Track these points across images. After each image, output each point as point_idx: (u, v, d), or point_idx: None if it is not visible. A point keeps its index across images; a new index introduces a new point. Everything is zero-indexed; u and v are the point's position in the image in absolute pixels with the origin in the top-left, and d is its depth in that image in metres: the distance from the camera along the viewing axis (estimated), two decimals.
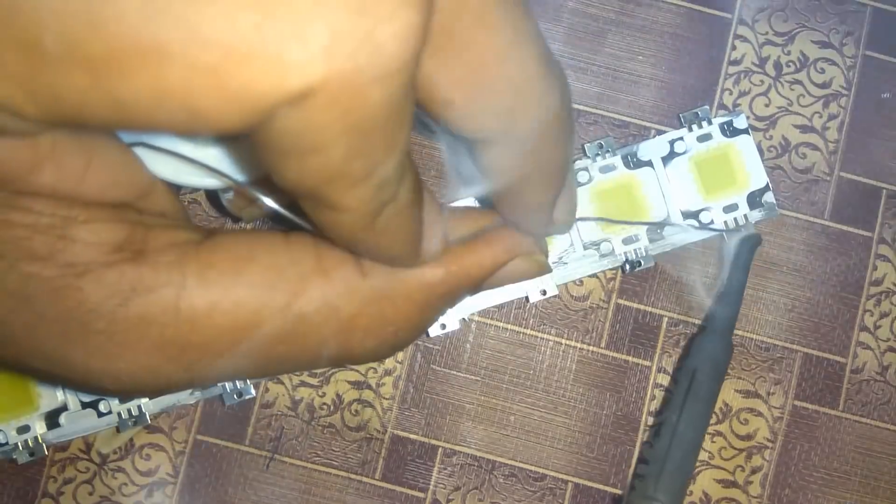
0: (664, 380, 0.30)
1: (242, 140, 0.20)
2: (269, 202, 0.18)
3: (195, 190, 0.29)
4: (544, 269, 0.21)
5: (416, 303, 0.19)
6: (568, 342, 0.30)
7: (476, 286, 0.20)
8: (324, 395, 0.29)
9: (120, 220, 0.17)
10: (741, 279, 0.28)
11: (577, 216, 0.22)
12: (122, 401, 0.27)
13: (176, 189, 0.20)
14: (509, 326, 0.30)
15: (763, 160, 0.29)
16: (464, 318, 0.29)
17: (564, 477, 0.29)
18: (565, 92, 0.18)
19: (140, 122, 0.13)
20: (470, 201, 0.27)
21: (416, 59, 0.13)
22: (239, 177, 0.20)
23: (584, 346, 0.30)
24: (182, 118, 0.13)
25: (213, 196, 0.29)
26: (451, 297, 0.19)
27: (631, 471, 0.29)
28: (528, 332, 0.30)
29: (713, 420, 0.29)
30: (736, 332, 0.30)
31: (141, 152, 0.19)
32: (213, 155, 0.20)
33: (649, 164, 0.28)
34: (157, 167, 0.19)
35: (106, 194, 0.17)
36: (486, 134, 0.17)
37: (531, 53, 0.16)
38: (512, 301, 0.29)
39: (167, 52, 0.12)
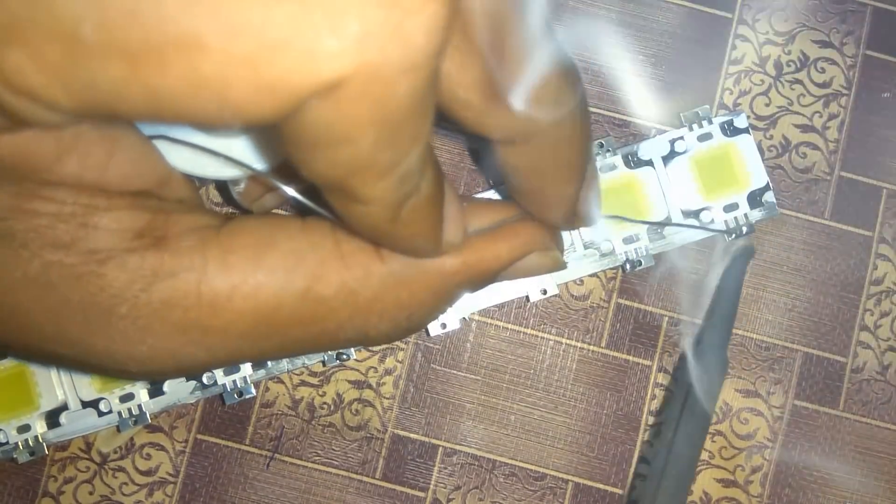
0: (665, 379, 0.30)
1: (259, 131, 0.20)
2: (289, 190, 0.18)
3: (205, 182, 0.29)
4: (560, 265, 0.22)
5: (432, 290, 0.19)
6: (568, 342, 0.30)
7: (492, 277, 0.20)
8: (324, 394, 0.29)
9: (141, 207, 0.17)
10: (735, 292, 0.27)
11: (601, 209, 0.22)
12: (123, 400, 0.27)
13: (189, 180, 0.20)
14: (510, 326, 0.30)
15: (763, 159, 0.29)
16: (464, 318, 0.29)
17: (565, 476, 0.29)
18: (580, 86, 0.18)
19: (173, 112, 0.13)
20: (490, 194, 0.28)
21: (441, 52, 0.13)
22: (256, 167, 0.20)
23: (585, 346, 0.30)
24: (215, 109, 0.13)
25: (223, 188, 0.29)
26: (466, 286, 0.20)
27: (631, 470, 0.29)
28: (529, 331, 0.30)
29: (713, 419, 0.29)
30: (736, 331, 0.30)
31: (157, 144, 0.19)
32: (229, 146, 0.20)
33: (650, 163, 0.28)
34: (172, 159, 0.19)
35: (128, 183, 0.17)
36: (505, 134, 0.18)
37: (547, 53, 0.17)
38: (512, 300, 0.29)
39: (204, 43, 0.12)
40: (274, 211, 0.29)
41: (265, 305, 0.17)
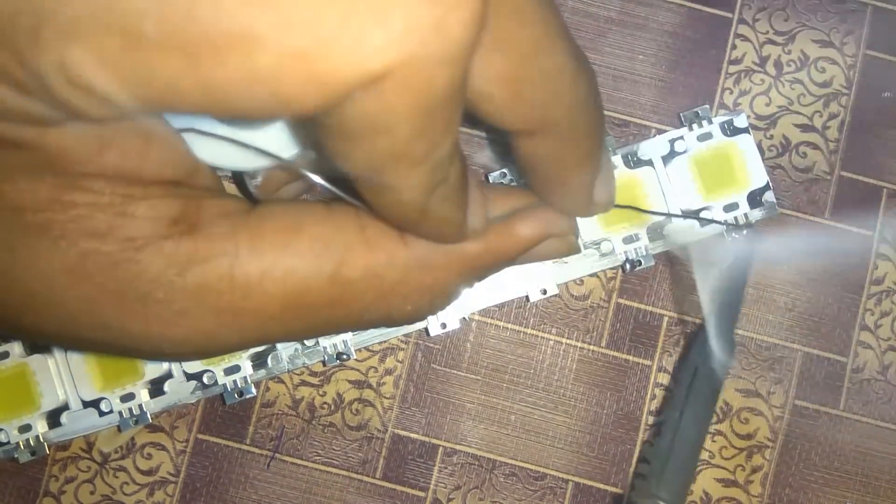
0: (665, 379, 0.30)
1: (290, 123, 0.21)
2: (316, 178, 0.19)
3: (223, 174, 0.30)
4: (575, 249, 0.23)
5: (453, 274, 0.20)
6: (568, 341, 0.30)
7: (510, 261, 0.21)
8: (324, 394, 0.29)
9: (174, 196, 0.18)
10: (743, 276, 0.28)
11: (618, 205, 0.23)
12: (124, 400, 0.27)
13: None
14: (510, 326, 0.30)
15: (763, 159, 0.29)
16: (464, 318, 0.29)
17: (565, 476, 0.29)
18: (593, 78, 0.19)
19: (227, 105, 0.14)
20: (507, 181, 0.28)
21: (476, 45, 0.14)
22: (283, 157, 0.21)
23: (585, 346, 0.30)
24: (267, 101, 0.14)
25: (240, 180, 0.29)
26: (486, 269, 0.21)
27: (632, 470, 0.29)
28: (529, 331, 0.30)
29: (714, 418, 0.29)
30: (736, 331, 0.30)
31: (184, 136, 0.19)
32: (254, 136, 0.21)
33: (650, 163, 0.28)
34: (197, 151, 0.20)
35: (162, 173, 0.18)
36: (523, 125, 0.18)
37: (562, 44, 0.17)
38: (512, 300, 0.29)
39: (259, 38, 0.13)
40: None
41: (294, 288, 0.18)
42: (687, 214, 0.28)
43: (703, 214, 0.28)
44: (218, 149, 0.20)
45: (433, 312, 0.21)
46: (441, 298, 0.20)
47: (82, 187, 0.16)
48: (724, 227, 0.28)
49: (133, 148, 0.17)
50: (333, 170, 0.16)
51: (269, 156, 0.20)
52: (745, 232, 0.28)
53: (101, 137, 0.16)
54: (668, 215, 0.28)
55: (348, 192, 0.18)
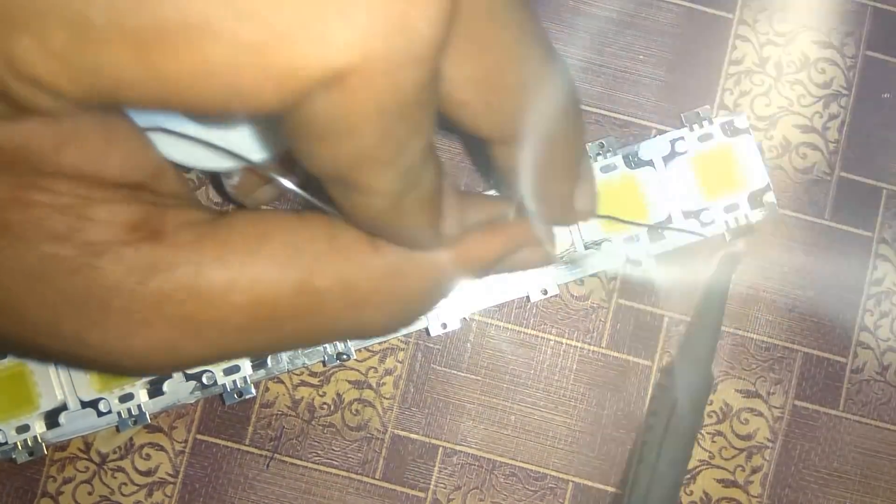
0: (664, 379, 0.30)
1: (259, 123, 0.20)
2: (286, 183, 0.18)
3: (201, 174, 0.29)
4: (552, 260, 0.22)
5: (427, 282, 0.19)
6: (569, 342, 0.30)
7: (485, 270, 0.20)
8: (324, 394, 0.29)
9: (137, 201, 0.17)
10: (720, 303, 0.27)
11: (601, 215, 0.23)
12: (122, 400, 0.27)
13: (185, 171, 0.20)
14: (510, 326, 0.30)
15: (764, 160, 0.29)
16: (464, 318, 0.29)
17: (565, 476, 0.29)
18: (571, 86, 0.18)
19: (181, 100, 0.13)
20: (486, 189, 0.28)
21: (444, 44, 0.14)
22: (252, 158, 0.20)
23: (585, 346, 0.30)
24: (223, 96, 0.13)
25: (217, 181, 0.29)
26: (460, 278, 0.20)
27: (632, 470, 0.29)
28: (529, 331, 0.30)
29: (713, 419, 0.29)
30: (736, 331, 0.30)
31: (152, 136, 0.19)
32: (225, 137, 0.20)
33: (650, 163, 0.28)
34: (167, 150, 0.19)
35: (124, 175, 0.17)
36: (499, 133, 0.18)
37: (538, 51, 0.17)
38: (512, 301, 0.29)
39: (214, 29, 0.12)
40: (268, 206, 0.29)
41: (261, 298, 0.18)
42: (658, 225, 0.28)
43: (702, 215, 0.28)
44: (187, 148, 0.20)
45: (407, 324, 0.21)
46: (415, 308, 0.20)
47: (42, 187, 0.16)
48: (727, 229, 0.28)
49: (93, 147, 0.17)
50: (305, 173, 0.15)
51: (237, 157, 0.20)
52: (721, 254, 0.28)
53: (58, 135, 0.16)
54: (649, 226, 0.28)
55: (320, 196, 0.17)
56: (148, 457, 0.29)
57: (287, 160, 0.20)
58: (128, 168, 0.17)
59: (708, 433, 0.29)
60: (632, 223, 0.27)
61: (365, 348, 0.29)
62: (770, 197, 0.28)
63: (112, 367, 0.19)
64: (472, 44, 0.16)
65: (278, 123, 0.14)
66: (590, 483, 0.29)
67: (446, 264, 0.19)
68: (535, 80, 0.17)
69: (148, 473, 0.29)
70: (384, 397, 0.29)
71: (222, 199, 0.30)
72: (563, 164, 0.20)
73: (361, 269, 0.18)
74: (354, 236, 0.18)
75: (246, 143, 0.20)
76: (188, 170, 0.20)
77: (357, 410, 0.29)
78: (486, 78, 0.16)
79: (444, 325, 0.28)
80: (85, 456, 0.29)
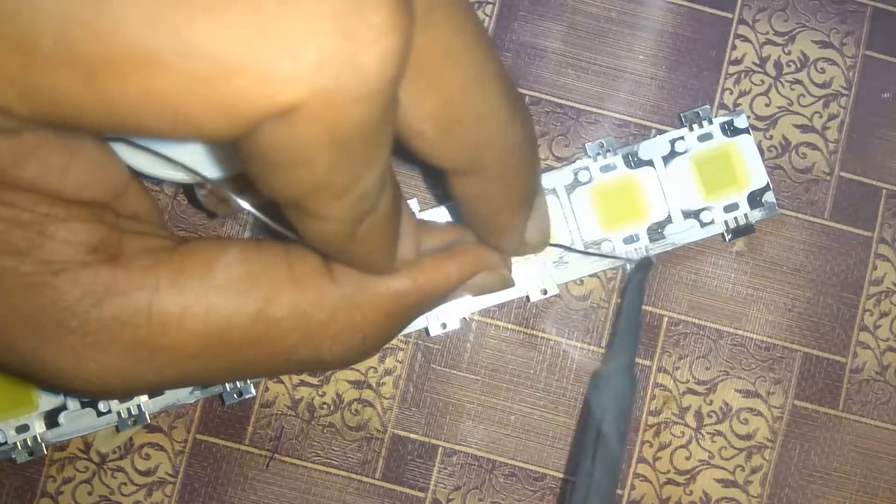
0: (664, 379, 0.30)
1: (217, 143, 0.20)
2: (242, 203, 0.18)
3: (173, 184, 0.29)
4: (507, 284, 0.22)
5: (384, 311, 0.19)
6: (568, 341, 0.30)
7: (443, 297, 0.21)
8: (324, 394, 0.29)
9: (97, 221, 0.17)
10: (636, 309, 0.27)
11: (550, 239, 0.23)
12: (122, 400, 0.27)
13: (154, 183, 0.20)
14: (510, 326, 0.30)
15: (763, 160, 0.29)
16: (464, 318, 0.29)
17: (565, 476, 0.29)
18: (528, 124, 0.19)
19: (129, 125, 0.13)
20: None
21: (396, 81, 0.14)
22: (213, 173, 0.20)
23: (585, 346, 0.30)
24: (171, 124, 0.13)
25: (189, 191, 0.29)
26: (418, 306, 0.20)
27: (631, 471, 0.29)
28: (529, 331, 0.30)
29: (713, 419, 0.29)
30: (736, 331, 0.30)
31: (118, 146, 0.19)
32: (190, 151, 0.20)
33: (650, 163, 0.28)
34: (134, 160, 0.19)
35: (84, 192, 0.17)
36: (454, 164, 0.18)
37: (495, 89, 0.17)
38: (513, 300, 0.29)
39: (162, 60, 0.12)
40: (237, 218, 0.29)
41: (216, 327, 0.18)
42: (596, 251, 0.28)
43: (702, 215, 0.28)
44: (149, 160, 0.20)
45: (367, 354, 0.21)
46: (373, 338, 0.20)
47: (2, 201, 0.16)
48: (726, 229, 0.28)
49: (53, 163, 0.17)
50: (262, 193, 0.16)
51: (193, 172, 0.20)
52: (635, 261, 0.28)
53: (16, 149, 0.16)
54: (588, 253, 0.28)
55: (278, 218, 0.17)
56: (147, 457, 0.29)
57: (245, 178, 0.21)
58: (89, 185, 0.18)
59: (708, 433, 0.29)
60: (574, 251, 0.27)
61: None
62: (770, 196, 0.28)
63: (64, 388, 0.19)
64: (431, 79, 0.16)
65: (234, 146, 0.14)
66: None
67: (404, 293, 0.20)
68: (491, 117, 0.17)
69: (147, 473, 0.29)
70: (384, 397, 0.29)
71: (195, 208, 0.30)
72: (516, 199, 0.20)
73: (318, 300, 0.19)
74: (312, 266, 0.19)
75: (202, 160, 0.20)
76: (159, 181, 0.21)
77: (357, 410, 0.29)
78: (443, 112, 0.17)
79: (444, 325, 0.28)
80: (84, 456, 0.29)
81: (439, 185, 0.29)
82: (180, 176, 0.21)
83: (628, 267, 0.28)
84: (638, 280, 0.27)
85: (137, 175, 0.20)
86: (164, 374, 0.18)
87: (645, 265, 0.28)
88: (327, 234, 0.16)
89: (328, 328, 0.19)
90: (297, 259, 0.19)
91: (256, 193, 0.16)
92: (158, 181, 0.20)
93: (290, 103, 0.13)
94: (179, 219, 0.30)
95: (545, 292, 0.28)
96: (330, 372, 0.29)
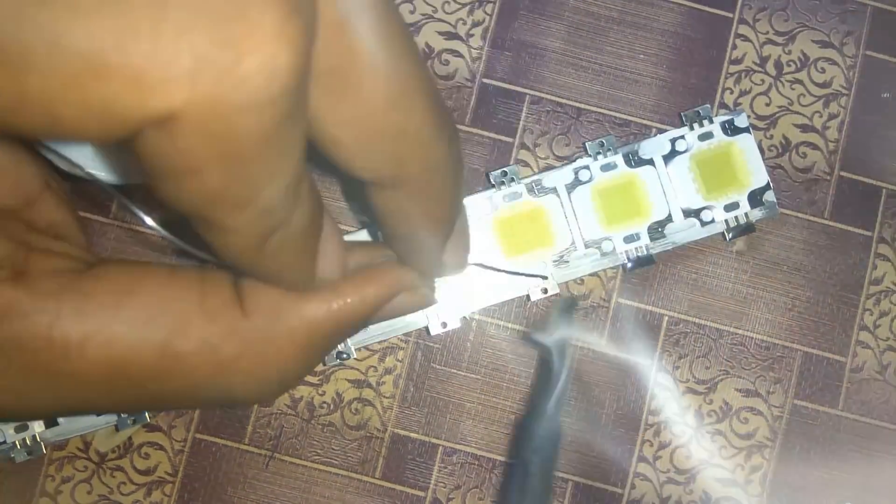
0: (665, 379, 0.30)
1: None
2: (145, 218, 0.18)
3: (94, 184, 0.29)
4: (430, 302, 0.21)
5: (299, 343, 0.19)
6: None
7: (362, 322, 0.20)
8: (323, 393, 0.29)
9: (4, 236, 0.17)
10: (563, 355, 0.27)
11: (469, 261, 0.22)
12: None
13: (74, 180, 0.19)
14: (510, 325, 0.30)
15: (764, 159, 0.29)
16: (464, 317, 0.29)
17: (565, 476, 0.29)
18: (455, 143, 0.18)
19: (5, 124, 0.13)
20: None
21: (293, 92, 0.13)
22: (118, 179, 0.19)
23: (585, 345, 0.30)
24: (43, 124, 0.13)
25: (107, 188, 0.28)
26: (335, 334, 0.19)
27: (632, 470, 0.29)
28: (529, 330, 0.30)
29: (713, 419, 0.29)
30: (736, 331, 0.30)
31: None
32: (92, 154, 0.19)
33: (651, 162, 0.28)
34: (51, 157, 0.18)
35: None
36: (373, 176, 0.17)
37: (420, 104, 0.17)
38: (513, 300, 0.29)
39: (28, 57, 0.12)
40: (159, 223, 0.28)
41: (119, 356, 0.17)
42: (525, 273, 0.28)
43: (703, 214, 0.28)
44: (66, 161, 0.19)
45: (286, 388, 0.20)
46: (289, 372, 0.19)
47: None
48: (727, 228, 0.28)
49: None
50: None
51: (89, 174, 0.19)
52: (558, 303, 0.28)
53: None
54: (515, 273, 0.27)
55: (184, 233, 0.17)
56: (147, 456, 0.29)
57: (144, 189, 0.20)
58: None
59: (707, 433, 0.29)
60: (499, 270, 0.27)
61: (364, 347, 0.29)
62: (770, 196, 0.28)
63: None
64: (351, 87, 0.15)
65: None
66: (590, 482, 0.29)
67: (319, 322, 0.19)
68: (415, 132, 0.17)
69: (147, 472, 0.29)
70: (384, 396, 0.29)
71: (124, 212, 0.29)
72: (436, 218, 0.19)
73: (228, 333, 0.18)
74: (225, 297, 0.18)
75: (96, 161, 0.19)
76: (83, 180, 0.20)
77: (357, 409, 0.29)
78: (363, 121, 0.16)
79: (444, 324, 0.28)
80: (84, 455, 0.29)
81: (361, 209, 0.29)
82: (97, 175, 0.19)
83: (726, 237, 0.28)
84: (564, 323, 0.27)
85: (66, 180, 0.19)
86: (65, 400, 0.17)
87: (569, 306, 0.27)
88: (234, 246, 0.16)
89: (239, 364, 0.18)
90: (210, 290, 0.18)
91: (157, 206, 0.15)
92: (79, 179, 0.19)
93: (164, 110, 0.12)
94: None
95: (545, 291, 0.28)
96: (330, 371, 0.29)
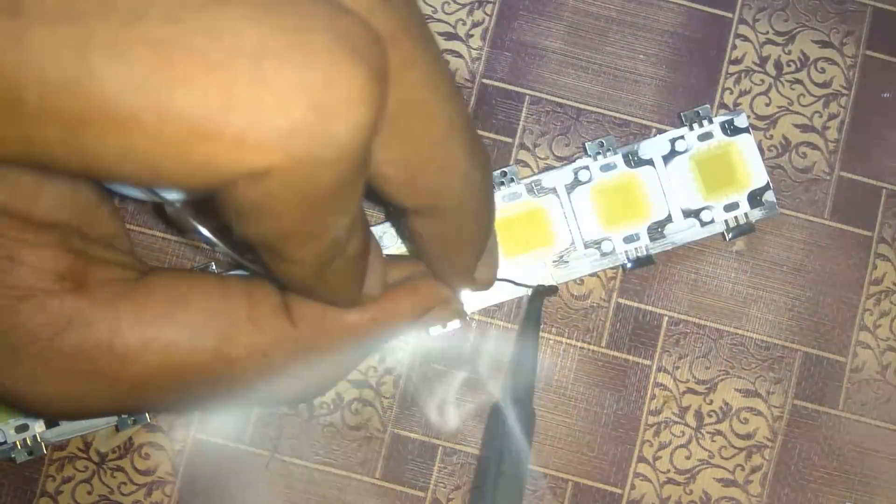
0: (665, 379, 0.30)
1: None
2: (201, 230, 0.19)
3: (137, 201, 0.29)
4: (461, 316, 0.25)
5: (338, 347, 0.20)
6: (568, 341, 0.30)
7: (398, 332, 0.22)
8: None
9: (66, 249, 0.18)
10: (532, 338, 0.27)
11: (497, 278, 0.25)
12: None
13: (121, 200, 0.20)
14: (510, 325, 0.30)
15: (763, 159, 0.29)
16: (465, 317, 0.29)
17: (565, 476, 0.29)
18: (487, 174, 0.20)
19: (105, 174, 0.14)
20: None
21: (367, 146, 0.14)
22: (176, 195, 0.20)
23: (585, 345, 0.30)
24: (146, 177, 0.14)
25: (159, 208, 0.28)
26: (371, 339, 0.21)
27: (631, 470, 0.29)
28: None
29: (713, 419, 0.29)
30: (736, 331, 0.30)
31: None
32: None
33: (650, 162, 0.28)
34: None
35: (54, 215, 0.18)
36: (415, 205, 0.19)
37: (461, 143, 0.18)
38: (513, 300, 0.29)
39: (138, 122, 0.13)
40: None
41: (174, 362, 0.18)
42: (510, 279, 0.28)
43: (702, 214, 0.28)
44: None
45: (323, 391, 0.22)
46: (330, 377, 0.21)
47: None
48: (726, 228, 0.28)
49: (23, 186, 0.17)
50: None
51: (153, 194, 0.20)
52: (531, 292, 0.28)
53: None
54: (522, 285, 0.28)
55: (239, 248, 0.18)
56: (147, 456, 0.29)
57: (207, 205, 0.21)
58: (58, 208, 0.18)
59: (708, 432, 0.29)
60: (523, 285, 0.28)
61: None
62: (770, 196, 0.28)
63: (22, 408, 0.20)
64: (401, 130, 0.17)
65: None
66: (590, 483, 0.29)
67: (360, 331, 0.20)
68: (455, 167, 0.18)
69: (147, 473, 0.29)
70: (384, 396, 0.29)
71: (164, 224, 0.29)
72: (469, 240, 0.21)
73: (276, 341, 0.19)
74: (272, 306, 0.19)
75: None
76: (123, 198, 0.21)
77: (357, 410, 0.29)
78: (410, 160, 0.17)
79: (444, 325, 0.28)
80: (84, 455, 0.29)
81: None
82: (142, 194, 0.21)
83: (726, 237, 0.28)
84: (536, 311, 0.27)
85: (109, 195, 0.20)
86: (122, 402, 0.19)
87: (542, 294, 0.28)
88: (297, 274, 0.17)
89: (284, 369, 0.19)
90: (258, 299, 0.19)
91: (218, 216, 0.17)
92: (122, 197, 0.20)
93: (260, 168, 0.13)
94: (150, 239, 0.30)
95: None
96: None
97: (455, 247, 0.21)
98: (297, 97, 0.13)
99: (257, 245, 0.16)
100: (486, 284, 0.24)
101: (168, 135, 0.13)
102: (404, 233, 0.22)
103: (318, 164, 0.14)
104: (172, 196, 0.19)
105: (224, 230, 0.18)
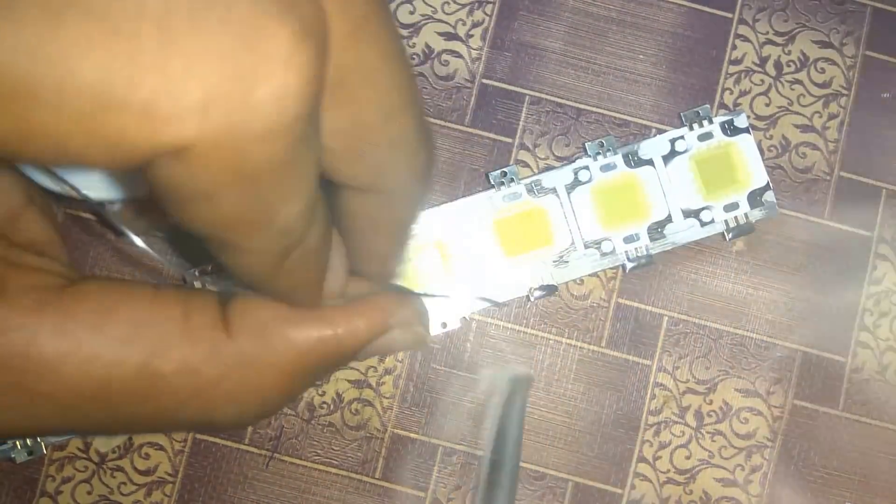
0: (665, 379, 0.30)
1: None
2: (131, 234, 0.17)
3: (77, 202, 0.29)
4: (424, 342, 0.21)
5: (282, 370, 0.18)
6: (568, 341, 0.30)
7: (351, 355, 0.19)
8: (324, 393, 0.29)
9: None
10: (516, 439, 0.26)
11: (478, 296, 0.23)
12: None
13: (56, 201, 0.19)
14: (510, 325, 0.30)
15: (763, 159, 0.29)
16: (464, 317, 0.29)
17: (565, 476, 0.29)
18: (432, 156, 0.18)
19: (10, 153, 0.13)
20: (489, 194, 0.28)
21: (306, 118, 0.13)
22: (115, 194, 0.19)
23: (585, 346, 0.30)
24: (50, 154, 0.13)
25: (97, 210, 0.28)
26: (323, 367, 0.19)
27: (631, 470, 0.29)
28: (529, 331, 0.30)
29: (713, 419, 0.29)
30: (736, 331, 0.30)
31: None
32: (75, 175, 0.19)
33: (650, 162, 0.28)
34: (34, 174, 0.18)
35: None
36: (357, 182, 0.17)
37: (410, 118, 0.17)
38: (512, 300, 0.29)
39: (37, 94, 0.12)
40: (147, 239, 0.28)
41: (96, 377, 0.17)
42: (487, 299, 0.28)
43: (702, 214, 0.28)
44: (48, 177, 0.18)
45: (266, 415, 0.19)
46: (273, 399, 0.19)
47: None
48: (726, 228, 0.28)
49: None
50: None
51: (87, 197, 0.18)
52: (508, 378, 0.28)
53: None
54: (436, 295, 0.28)
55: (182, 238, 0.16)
56: (147, 456, 0.29)
57: (145, 205, 0.19)
58: None
59: (708, 432, 0.29)
60: (436, 295, 0.27)
61: None
62: (770, 196, 0.28)
63: None
64: (348, 99, 0.15)
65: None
66: (590, 483, 0.29)
67: (306, 351, 0.18)
68: (403, 143, 0.17)
69: (147, 473, 0.29)
70: (384, 396, 0.29)
71: (104, 227, 0.29)
72: (400, 225, 0.19)
73: (211, 355, 0.17)
74: (209, 318, 0.18)
75: (97, 182, 0.19)
76: (62, 198, 0.20)
77: (357, 410, 0.29)
78: (357, 133, 0.16)
79: (444, 325, 0.28)
80: (84, 455, 0.29)
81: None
82: (84, 193, 0.19)
83: (726, 236, 0.28)
84: (519, 404, 0.26)
85: (45, 196, 0.19)
86: (41, 419, 0.17)
87: (526, 383, 0.27)
88: (251, 266, 0.16)
89: (221, 387, 0.18)
90: (194, 310, 0.18)
91: (163, 216, 0.15)
92: (62, 198, 0.19)
93: (176, 142, 0.12)
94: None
95: (545, 290, 0.28)
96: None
97: (385, 231, 0.19)
98: (212, 62, 0.12)
99: (205, 237, 0.15)
100: (396, 278, 0.21)
101: (69, 107, 0.12)
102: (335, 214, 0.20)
103: (244, 138, 0.12)
104: (107, 195, 0.18)
105: (178, 230, 0.17)
